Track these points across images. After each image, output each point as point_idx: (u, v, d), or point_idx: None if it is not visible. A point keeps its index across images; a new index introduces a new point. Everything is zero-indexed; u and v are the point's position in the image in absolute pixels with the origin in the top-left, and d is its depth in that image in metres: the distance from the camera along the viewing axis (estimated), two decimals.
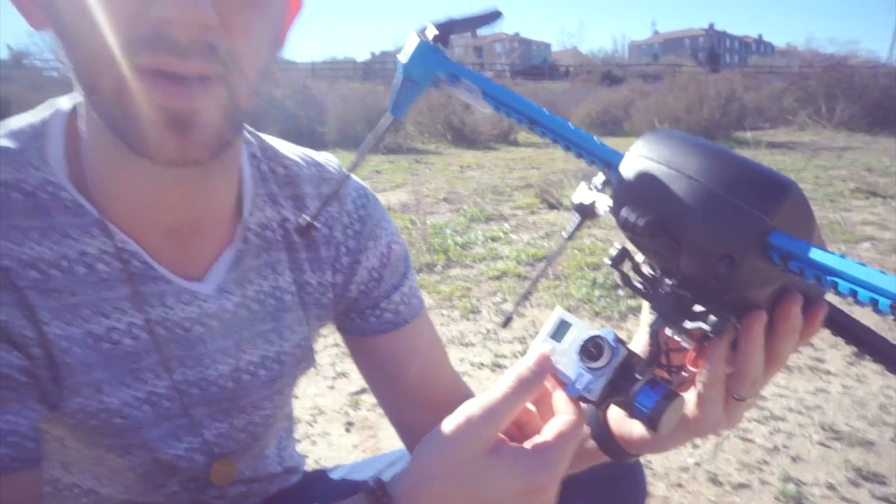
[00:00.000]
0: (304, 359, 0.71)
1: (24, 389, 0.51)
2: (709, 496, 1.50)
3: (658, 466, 1.62)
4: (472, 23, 0.48)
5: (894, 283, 0.33)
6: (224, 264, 0.61)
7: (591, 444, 0.57)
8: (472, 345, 2.45)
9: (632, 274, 0.46)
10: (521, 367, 0.47)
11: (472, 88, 0.45)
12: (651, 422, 0.44)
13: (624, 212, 0.40)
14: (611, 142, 0.45)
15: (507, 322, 0.52)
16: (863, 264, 0.35)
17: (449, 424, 0.47)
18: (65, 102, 0.57)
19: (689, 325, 0.43)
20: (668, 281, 0.44)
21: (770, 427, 1.77)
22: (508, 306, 2.85)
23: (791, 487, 1.50)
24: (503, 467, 0.46)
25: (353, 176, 0.65)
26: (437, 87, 0.47)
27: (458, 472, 0.46)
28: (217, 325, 0.61)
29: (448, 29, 0.46)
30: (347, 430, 1.86)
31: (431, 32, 0.45)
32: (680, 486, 1.54)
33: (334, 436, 1.83)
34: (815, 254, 0.36)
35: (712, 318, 0.41)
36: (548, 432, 0.47)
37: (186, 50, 0.44)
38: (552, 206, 4.75)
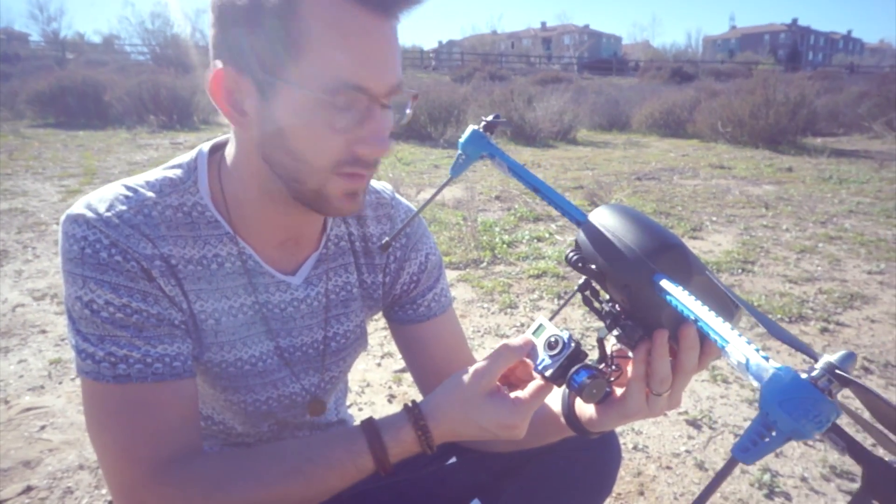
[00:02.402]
0: (361, 337, 0.95)
1: (184, 332, 0.75)
2: (693, 479, 1.73)
3: (653, 451, 1.86)
4: (505, 123, 0.75)
5: (718, 326, 0.51)
6: (310, 264, 0.84)
7: (563, 421, 0.75)
8: (506, 336, 2.71)
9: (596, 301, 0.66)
10: (511, 342, 0.69)
11: (501, 164, 0.69)
12: (579, 392, 0.64)
13: (569, 252, 0.64)
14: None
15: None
16: (711, 309, 0.52)
17: (462, 372, 0.71)
18: (205, 146, 0.79)
19: (617, 332, 0.62)
20: (610, 304, 0.63)
21: None
22: (545, 304, 3.10)
23: (766, 477, 1.71)
24: (491, 405, 0.68)
25: (400, 198, 0.94)
26: (482, 159, 0.72)
27: (464, 403, 0.69)
28: (305, 308, 0.85)
29: (493, 124, 0.71)
30: (389, 402, 2.17)
31: (482, 124, 0.70)
32: (669, 468, 1.78)
33: (378, 405, 2.14)
34: (674, 292, 0.55)
35: (629, 328, 0.62)
36: (525, 391, 0.69)
37: (371, 165, 0.70)
38: None
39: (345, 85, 0.63)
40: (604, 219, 0.62)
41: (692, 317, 0.54)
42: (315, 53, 0.62)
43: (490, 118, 0.71)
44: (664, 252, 0.58)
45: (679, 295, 0.56)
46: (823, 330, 2.72)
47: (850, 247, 4.01)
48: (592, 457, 0.95)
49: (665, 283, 0.57)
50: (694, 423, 2.00)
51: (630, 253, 0.59)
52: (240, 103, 0.68)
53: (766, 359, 0.48)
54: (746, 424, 1.99)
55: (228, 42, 0.65)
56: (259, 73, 0.64)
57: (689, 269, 0.59)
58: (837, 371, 0.46)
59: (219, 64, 0.66)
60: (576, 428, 0.75)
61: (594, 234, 0.62)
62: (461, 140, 0.71)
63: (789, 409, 0.45)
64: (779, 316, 2.86)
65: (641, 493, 1.68)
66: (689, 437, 1.93)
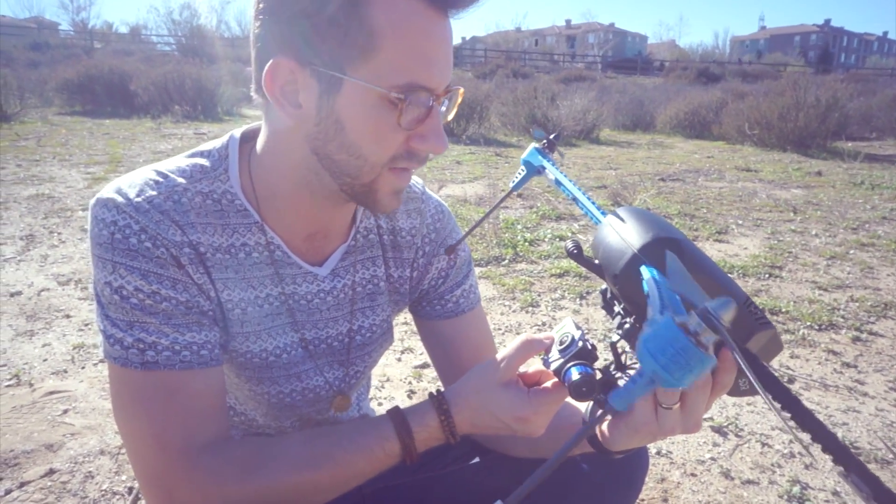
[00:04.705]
0: (388, 332, 0.94)
1: (212, 320, 0.74)
2: (718, 487, 1.69)
3: (677, 457, 1.81)
4: (559, 139, 0.79)
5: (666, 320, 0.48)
6: (338, 255, 0.84)
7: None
8: None
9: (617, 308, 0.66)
10: (533, 335, 0.71)
11: (550, 177, 0.73)
12: (569, 389, 0.63)
13: (567, 242, 0.64)
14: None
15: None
16: (670, 300, 0.50)
17: (484, 363, 0.73)
18: (237, 132, 0.79)
19: (620, 332, 0.60)
20: (622, 306, 0.64)
21: (791, 436, 1.91)
22: (567, 303, 3.05)
23: (796, 489, 1.66)
24: (506, 395, 0.69)
25: (430, 192, 0.93)
26: (540, 174, 0.75)
27: (481, 391, 0.71)
28: (331, 300, 0.84)
29: (552, 143, 0.75)
30: (409, 397, 2.15)
31: (541, 143, 0.74)
32: (694, 475, 1.74)
33: (398, 401, 2.12)
34: (647, 278, 0.53)
35: (626, 326, 0.60)
36: (541, 386, 0.70)
37: (423, 160, 0.71)
38: None
39: (414, 84, 0.64)
40: (614, 218, 0.63)
41: (645, 289, 0.53)
42: (386, 52, 0.62)
43: (551, 137, 0.75)
44: (656, 244, 0.57)
45: (645, 274, 0.54)
46: (855, 339, 2.65)
47: (884, 254, 3.90)
48: (619, 462, 0.92)
49: (643, 270, 0.55)
50: (720, 430, 1.95)
51: (619, 242, 0.58)
52: (294, 95, 0.67)
53: (665, 314, 0.47)
54: (775, 433, 1.94)
55: (288, 35, 0.64)
56: (324, 68, 0.64)
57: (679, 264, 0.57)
58: (709, 316, 0.44)
59: (275, 56, 0.64)
60: (594, 444, 0.73)
61: (602, 229, 0.63)
62: (523, 157, 0.75)
63: (652, 350, 0.45)
64: (808, 323, 2.78)
65: (665, 501, 1.64)
66: (715, 444, 1.88)
